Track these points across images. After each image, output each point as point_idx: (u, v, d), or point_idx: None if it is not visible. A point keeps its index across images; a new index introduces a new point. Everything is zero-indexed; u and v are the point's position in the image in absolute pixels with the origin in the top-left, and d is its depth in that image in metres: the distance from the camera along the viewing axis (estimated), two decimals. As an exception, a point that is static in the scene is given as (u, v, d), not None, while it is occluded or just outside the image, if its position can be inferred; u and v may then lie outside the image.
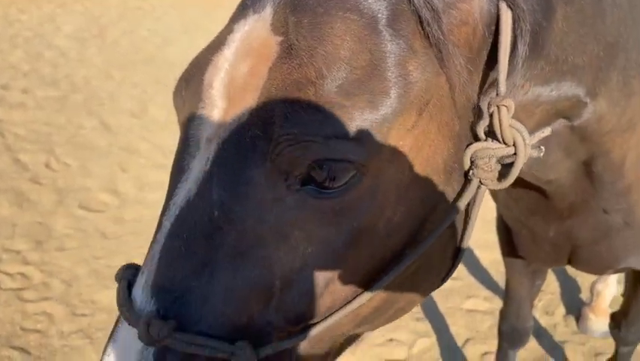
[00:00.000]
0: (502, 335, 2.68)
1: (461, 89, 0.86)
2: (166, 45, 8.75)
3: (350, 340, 1.01)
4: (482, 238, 3.70)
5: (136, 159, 5.35)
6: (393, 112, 0.80)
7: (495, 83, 0.89)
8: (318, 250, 0.82)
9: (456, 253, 1.02)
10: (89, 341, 3.28)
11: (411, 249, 0.89)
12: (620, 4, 1.12)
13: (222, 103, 0.82)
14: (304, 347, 0.88)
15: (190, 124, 0.86)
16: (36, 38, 8.93)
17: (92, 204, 4.65)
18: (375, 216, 0.84)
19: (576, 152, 1.27)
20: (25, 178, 4.93)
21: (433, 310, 3.57)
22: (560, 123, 1.15)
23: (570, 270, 3.89)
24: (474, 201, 0.98)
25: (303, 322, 0.86)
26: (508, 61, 0.87)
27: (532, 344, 3.24)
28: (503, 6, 0.86)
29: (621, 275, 3.06)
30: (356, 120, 0.78)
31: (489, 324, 3.48)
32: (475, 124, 0.92)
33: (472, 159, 0.91)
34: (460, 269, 3.90)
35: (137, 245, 4.12)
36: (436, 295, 3.62)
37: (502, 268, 3.26)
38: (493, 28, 0.87)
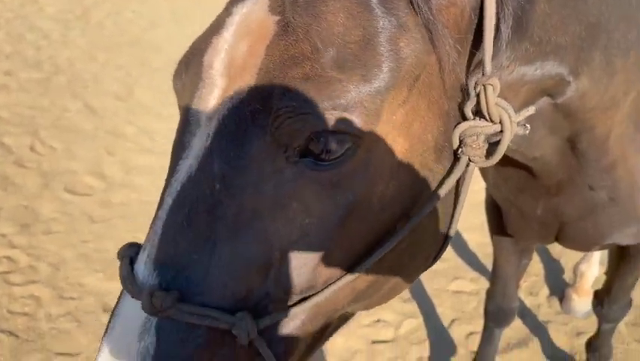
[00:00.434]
0: (488, 314, 2.73)
1: (450, 68, 0.89)
2: (152, 28, 8.62)
3: (343, 318, 1.04)
4: (468, 220, 3.76)
5: (122, 143, 5.30)
6: (385, 85, 0.83)
7: (481, 63, 0.91)
8: (315, 222, 0.84)
9: (446, 232, 1.05)
10: (77, 325, 3.28)
11: (403, 224, 0.92)
12: None
13: (222, 82, 0.85)
14: (301, 322, 0.90)
15: (190, 105, 0.88)
16: (18, 19, 8.73)
17: (78, 187, 4.61)
18: (369, 189, 0.86)
19: (561, 129, 1.30)
20: (9, 162, 4.87)
21: (420, 292, 3.63)
22: (545, 101, 1.19)
23: (554, 252, 3.96)
24: (463, 180, 1.00)
25: (300, 293, 0.88)
26: (493, 42, 0.90)
27: (517, 324, 3.30)
28: None
29: (604, 257, 3.12)
30: (351, 93, 0.81)
31: (474, 305, 3.54)
32: (463, 104, 0.95)
33: (461, 138, 0.94)
34: (447, 251, 3.95)
35: (125, 229, 4.10)
36: (423, 276, 3.67)
37: (488, 251, 3.32)
38: (479, 11, 0.90)
